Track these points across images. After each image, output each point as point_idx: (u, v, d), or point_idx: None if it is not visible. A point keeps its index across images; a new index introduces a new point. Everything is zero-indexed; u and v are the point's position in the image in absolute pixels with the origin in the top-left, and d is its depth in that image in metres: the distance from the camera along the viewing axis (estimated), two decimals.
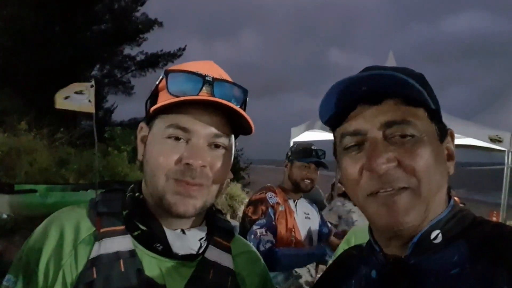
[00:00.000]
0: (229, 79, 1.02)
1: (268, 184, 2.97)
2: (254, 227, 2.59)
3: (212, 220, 1.08)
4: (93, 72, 20.02)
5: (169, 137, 0.94)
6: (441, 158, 0.81)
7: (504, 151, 6.18)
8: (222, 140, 0.98)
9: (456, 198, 0.91)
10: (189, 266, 0.97)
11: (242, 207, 3.00)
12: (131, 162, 10.72)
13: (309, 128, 7.08)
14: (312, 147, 2.89)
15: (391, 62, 6.40)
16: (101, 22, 20.20)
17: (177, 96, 0.92)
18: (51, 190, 6.67)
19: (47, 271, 0.90)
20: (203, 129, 0.94)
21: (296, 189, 2.85)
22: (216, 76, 0.98)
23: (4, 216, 4.93)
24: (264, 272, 1.16)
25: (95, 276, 0.87)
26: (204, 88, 0.94)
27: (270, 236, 2.56)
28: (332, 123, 0.89)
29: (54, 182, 7.91)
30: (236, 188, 11.70)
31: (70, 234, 0.94)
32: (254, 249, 1.20)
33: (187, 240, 0.99)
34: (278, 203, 2.74)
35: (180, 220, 0.98)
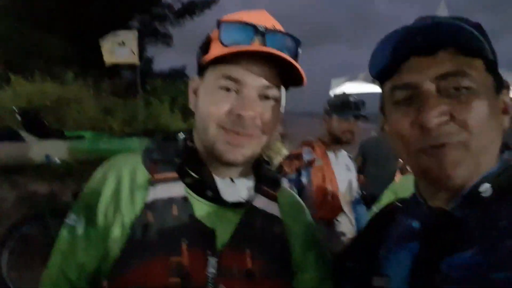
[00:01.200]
0: (282, 29, 1.01)
1: (308, 138, 2.98)
2: (283, 180, 2.67)
3: (259, 170, 1.12)
4: (133, 23, 20.08)
5: (221, 88, 0.96)
6: (496, 112, 0.78)
7: None
8: (273, 92, 0.98)
9: None
10: (238, 213, 1.02)
11: (278, 157, 3.03)
12: (173, 112, 10.95)
13: (350, 79, 6.88)
14: (350, 99, 2.83)
15: (443, 12, 5.98)
16: None
17: (229, 46, 0.93)
18: (99, 137, 6.98)
19: (106, 212, 0.97)
20: (254, 81, 0.95)
21: (337, 142, 2.84)
22: (269, 26, 0.97)
23: (57, 161, 5.25)
24: (310, 221, 1.19)
25: (151, 219, 0.94)
26: (256, 38, 0.94)
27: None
28: (381, 76, 0.86)
29: (101, 130, 8.27)
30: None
31: (127, 179, 1.00)
32: (300, 199, 1.23)
33: (236, 188, 1.04)
34: (314, 159, 2.75)
35: (229, 168, 1.02)
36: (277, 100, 1.02)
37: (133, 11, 19.98)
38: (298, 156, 2.78)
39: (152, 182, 0.99)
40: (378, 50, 0.83)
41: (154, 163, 1.03)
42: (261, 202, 1.07)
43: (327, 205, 2.72)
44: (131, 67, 9.83)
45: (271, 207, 1.08)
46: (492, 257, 0.68)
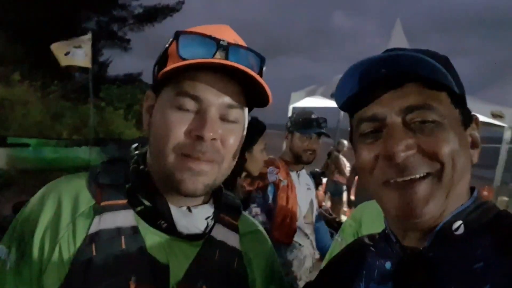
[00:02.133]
0: (245, 45, 0.93)
1: (271, 156, 2.89)
2: (252, 204, 2.57)
3: (219, 197, 1.03)
4: (90, 24, 19.47)
5: (177, 107, 0.86)
6: (464, 145, 0.76)
7: (502, 126, 6.14)
8: (236, 113, 0.90)
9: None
10: (195, 245, 0.92)
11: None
12: (127, 119, 10.64)
13: (309, 94, 6.97)
14: (313, 116, 2.80)
15: (398, 30, 6.21)
16: None
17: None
18: (44, 144, 6.59)
19: (43, 244, 0.84)
20: (216, 98, 0.86)
21: (298, 161, 2.79)
22: (231, 41, 0.89)
23: None
24: (271, 253, 1.12)
25: (94, 253, 0.82)
26: (218, 53, 0.86)
27: (263, 217, 2.54)
28: (349, 108, 0.83)
29: (48, 136, 7.84)
30: None
31: (68, 206, 0.87)
32: (261, 228, 1.15)
33: (193, 218, 0.93)
34: (280, 180, 2.67)
35: (186, 196, 0.91)
36: (240, 123, 0.92)
37: (90, 11, 19.41)
38: (262, 176, 2.66)
39: (97, 210, 0.87)
40: (342, 82, 0.80)
41: (101, 188, 0.91)
42: (221, 233, 0.98)
43: (284, 229, 2.62)
44: (83, 70, 9.47)
45: (231, 238, 0.99)
46: None
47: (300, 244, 2.71)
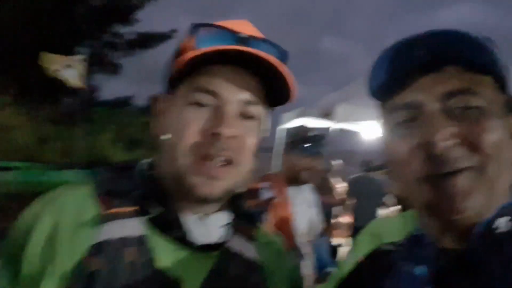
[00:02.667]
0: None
1: (269, 172, 2.84)
2: None
3: (236, 205, 0.95)
4: (82, 49, 19.54)
5: (192, 104, 0.80)
6: (510, 133, 0.69)
7: None
8: (256, 110, 0.84)
9: None
10: (209, 257, 0.84)
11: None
12: (115, 143, 10.55)
13: (300, 115, 6.98)
14: (308, 134, 2.77)
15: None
16: None
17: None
18: (33, 168, 6.44)
19: (38, 259, 0.76)
20: (234, 94, 0.80)
21: (296, 180, 2.72)
22: (252, 34, 0.84)
23: None
24: (294, 266, 1.05)
25: (98, 265, 0.74)
26: (236, 46, 0.80)
27: None
28: (380, 95, 0.75)
29: (35, 160, 7.69)
30: None
31: (70, 216, 0.79)
32: (280, 239, 1.07)
33: (208, 226, 0.86)
34: (273, 197, 2.60)
35: (201, 203, 0.85)
36: (260, 121, 0.86)
37: (83, 37, 19.49)
38: (254, 193, 2.60)
39: (103, 219, 0.79)
40: (377, 66, 0.73)
41: (108, 196, 0.83)
42: (238, 244, 0.90)
43: None
44: (73, 93, 9.42)
45: (249, 250, 0.91)
46: None
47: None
